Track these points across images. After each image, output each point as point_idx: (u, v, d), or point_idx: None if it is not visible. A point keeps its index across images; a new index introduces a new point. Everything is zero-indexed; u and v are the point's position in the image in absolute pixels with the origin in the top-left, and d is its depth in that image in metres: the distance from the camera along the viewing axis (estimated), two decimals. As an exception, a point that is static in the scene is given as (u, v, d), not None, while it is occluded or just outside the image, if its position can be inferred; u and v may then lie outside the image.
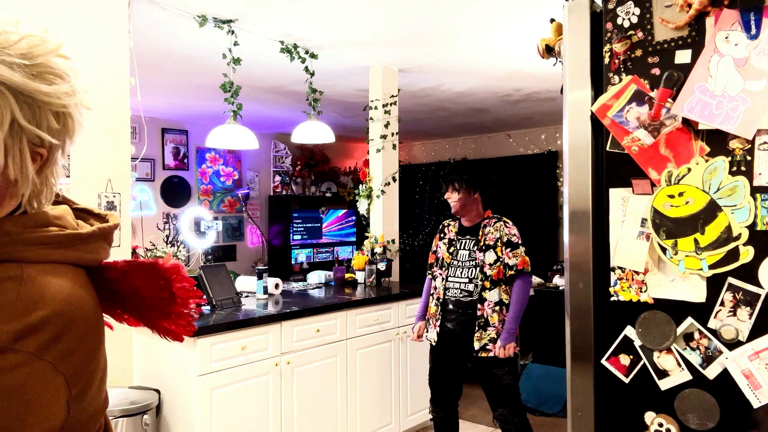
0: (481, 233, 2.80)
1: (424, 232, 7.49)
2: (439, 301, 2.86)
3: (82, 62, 2.58)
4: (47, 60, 0.66)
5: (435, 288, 2.90)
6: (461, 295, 2.78)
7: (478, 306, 2.72)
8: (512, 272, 2.73)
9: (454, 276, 2.81)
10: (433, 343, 2.87)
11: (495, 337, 2.70)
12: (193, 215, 6.37)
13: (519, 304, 2.72)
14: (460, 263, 2.81)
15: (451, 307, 2.81)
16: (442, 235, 2.95)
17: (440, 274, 2.87)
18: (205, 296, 2.87)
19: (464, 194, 2.80)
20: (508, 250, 2.75)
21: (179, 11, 3.07)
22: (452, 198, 2.81)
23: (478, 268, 2.75)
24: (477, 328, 2.71)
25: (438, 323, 2.84)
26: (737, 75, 1.11)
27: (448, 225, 2.96)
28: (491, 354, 2.69)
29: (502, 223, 2.80)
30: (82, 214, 0.78)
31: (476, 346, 2.71)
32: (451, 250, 2.87)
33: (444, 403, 2.90)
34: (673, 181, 1.17)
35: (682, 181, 1.16)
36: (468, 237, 2.84)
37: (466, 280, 2.78)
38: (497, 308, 2.72)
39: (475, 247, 2.79)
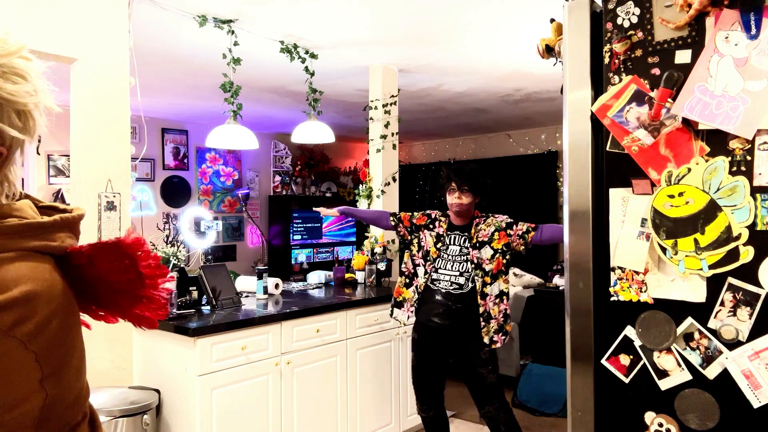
0: (473, 231, 2.82)
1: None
2: (418, 291, 2.86)
3: (82, 62, 2.59)
4: (9, 60, 0.68)
5: (414, 277, 2.90)
6: (451, 288, 2.78)
7: (480, 301, 2.73)
8: (533, 231, 2.76)
9: (444, 268, 2.81)
10: (404, 324, 2.89)
11: (497, 328, 2.73)
12: (193, 215, 6.38)
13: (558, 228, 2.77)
14: (450, 257, 2.82)
15: (438, 298, 2.80)
16: (432, 226, 2.93)
17: (423, 266, 2.88)
18: (204, 294, 2.87)
19: (473, 198, 2.83)
20: (515, 228, 2.79)
21: (179, 11, 3.07)
22: (462, 200, 2.80)
23: (471, 264, 2.76)
24: (482, 323, 2.73)
25: (413, 311, 2.86)
26: (737, 75, 1.11)
27: (438, 220, 2.94)
28: (498, 345, 2.73)
29: (491, 217, 2.85)
30: (48, 210, 0.79)
31: (486, 340, 2.73)
32: (438, 246, 2.86)
33: (431, 401, 2.92)
34: (673, 181, 1.17)
35: (682, 181, 1.16)
36: (457, 233, 2.85)
37: (457, 273, 2.78)
38: (497, 300, 2.76)
39: (468, 244, 2.80)
